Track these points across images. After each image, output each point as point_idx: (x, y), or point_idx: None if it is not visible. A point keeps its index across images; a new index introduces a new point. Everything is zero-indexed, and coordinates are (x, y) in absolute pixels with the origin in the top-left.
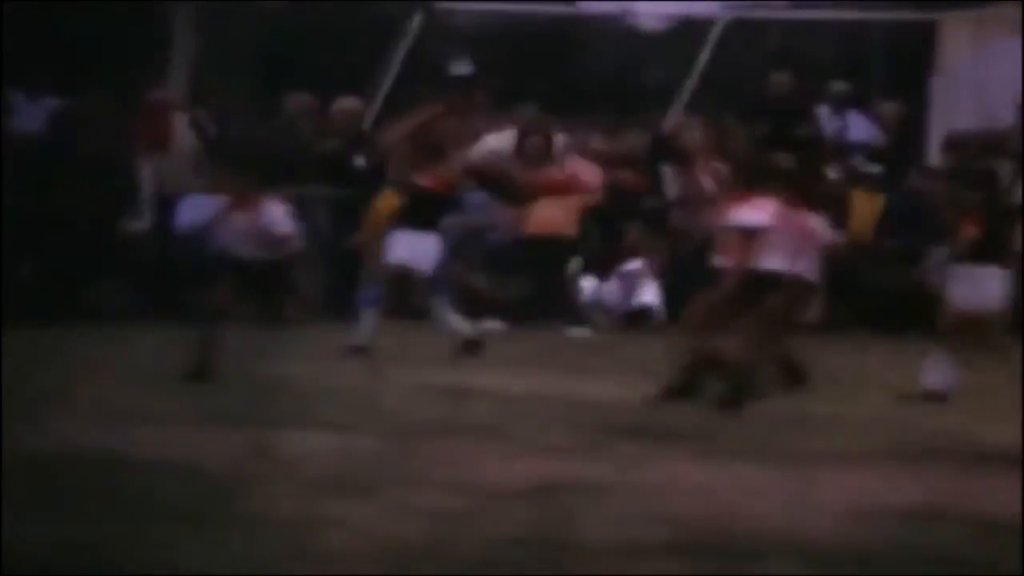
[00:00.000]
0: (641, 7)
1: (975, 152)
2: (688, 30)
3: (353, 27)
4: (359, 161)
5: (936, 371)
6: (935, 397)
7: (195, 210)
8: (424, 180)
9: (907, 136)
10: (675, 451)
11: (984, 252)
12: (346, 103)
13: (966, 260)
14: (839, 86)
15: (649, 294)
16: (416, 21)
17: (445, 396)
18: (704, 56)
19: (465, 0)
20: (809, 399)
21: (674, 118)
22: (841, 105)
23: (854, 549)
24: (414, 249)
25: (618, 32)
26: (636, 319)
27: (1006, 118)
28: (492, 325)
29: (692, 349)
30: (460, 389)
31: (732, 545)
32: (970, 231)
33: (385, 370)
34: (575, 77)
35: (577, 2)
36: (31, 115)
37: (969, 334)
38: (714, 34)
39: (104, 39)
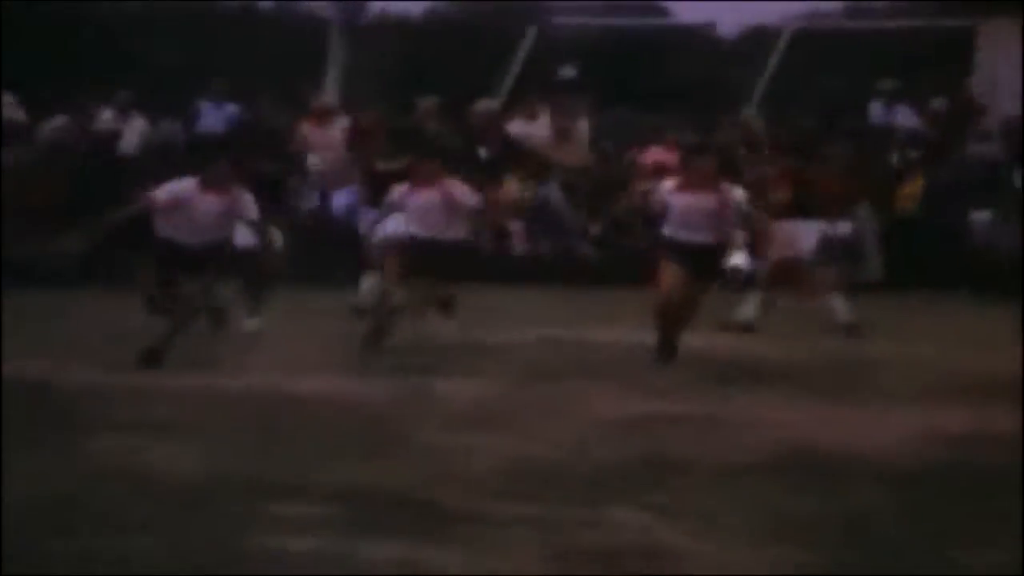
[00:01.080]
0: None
1: None
2: (760, 38)
3: (479, 40)
4: (482, 152)
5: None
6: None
7: (348, 196)
8: None
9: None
10: (758, 390)
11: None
12: (483, 105)
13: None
14: (887, 84)
15: (739, 258)
16: (531, 34)
17: (563, 346)
18: (773, 60)
19: (571, 16)
20: (872, 346)
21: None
22: (891, 100)
23: (914, 468)
24: None
25: (700, 41)
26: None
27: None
28: None
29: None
30: (575, 341)
31: (818, 464)
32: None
33: (513, 326)
34: (665, 79)
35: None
36: (216, 118)
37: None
38: (783, 41)
39: (271, 55)
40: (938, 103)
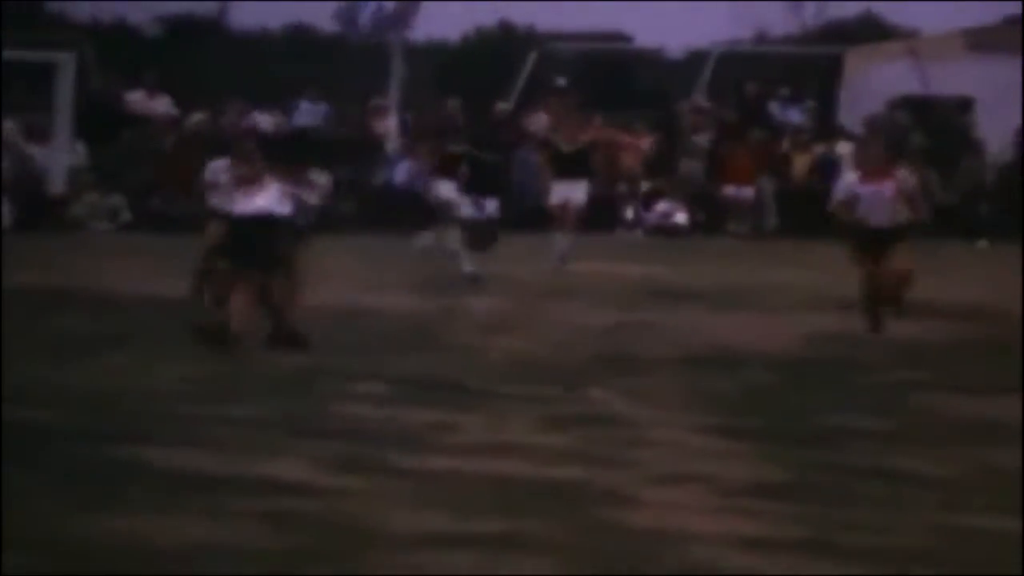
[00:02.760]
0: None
1: None
2: (697, 58)
3: (496, 57)
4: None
5: None
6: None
7: (405, 171)
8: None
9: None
10: (692, 305)
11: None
12: (500, 106)
13: None
14: (783, 91)
15: (679, 216)
16: (533, 56)
17: (552, 275)
18: (706, 74)
19: (563, 42)
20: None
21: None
22: (785, 103)
23: (793, 357)
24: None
25: (653, 61)
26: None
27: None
28: None
29: None
30: (561, 271)
31: (728, 356)
32: None
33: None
34: (630, 87)
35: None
36: (311, 114)
37: None
38: (711, 61)
39: (350, 69)
40: (811, 103)
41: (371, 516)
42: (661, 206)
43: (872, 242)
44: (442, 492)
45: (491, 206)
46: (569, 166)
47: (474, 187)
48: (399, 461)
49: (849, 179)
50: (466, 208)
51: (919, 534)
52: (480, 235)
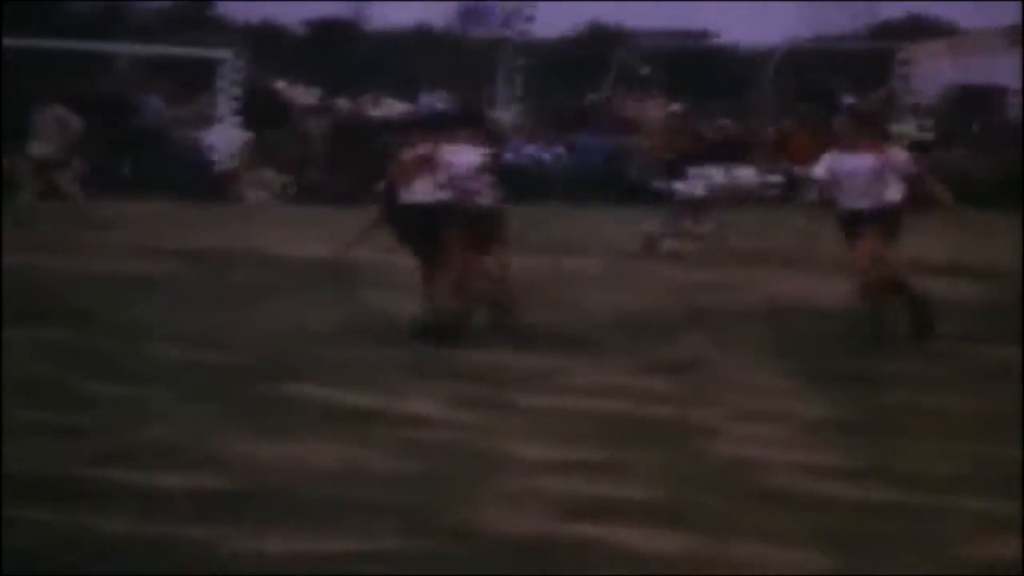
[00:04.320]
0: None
1: None
2: (766, 54)
3: (592, 53)
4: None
5: None
6: None
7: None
8: None
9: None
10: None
11: None
12: (593, 96)
13: None
14: (840, 82)
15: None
16: (622, 51)
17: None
18: (770, 70)
19: (648, 39)
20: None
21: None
22: (844, 92)
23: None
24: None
25: (729, 55)
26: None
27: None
28: None
29: None
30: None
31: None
32: None
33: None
34: (706, 78)
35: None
36: (431, 104)
37: None
38: (777, 56)
39: (468, 63)
40: (883, 91)
41: (493, 446)
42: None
43: (852, 224)
44: (553, 426)
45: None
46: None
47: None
48: (515, 399)
49: (827, 159)
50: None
51: (962, 463)
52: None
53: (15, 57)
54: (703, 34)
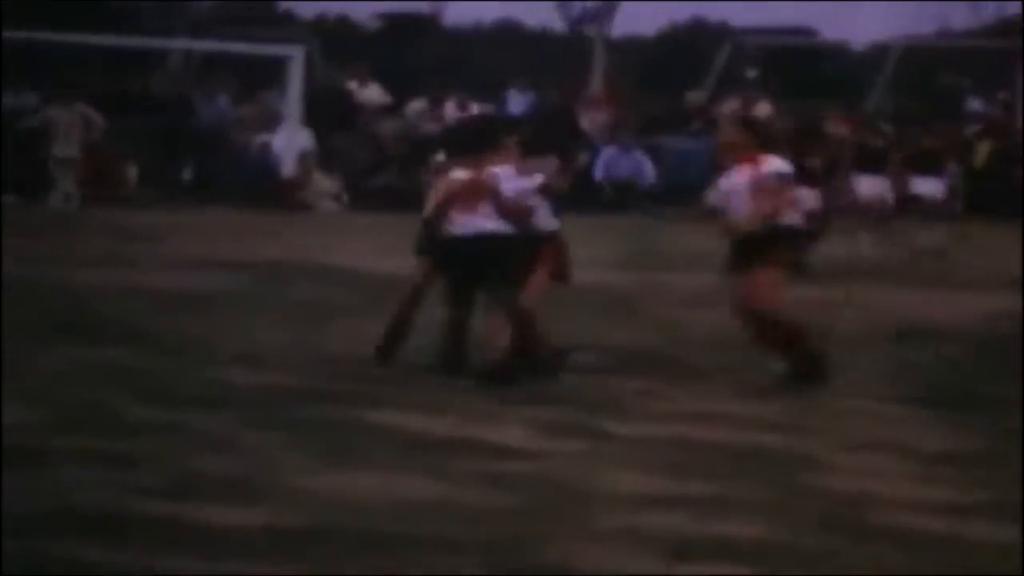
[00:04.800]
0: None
1: None
2: (880, 51)
3: (692, 51)
4: (696, 126)
5: None
6: None
7: (608, 153)
8: None
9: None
10: (880, 281)
11: None
12: (694, 95)
13: None
14: (965, 82)
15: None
16: (726, 48)
17: None
18: (890, 65)
19: (753, 36)
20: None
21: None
22: (968, 93)
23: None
24: None
25: (839, 53)
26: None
27: None
28: None
29: None
30: None
31: (915, 330)
32: None
33: None
34: (816, 78)
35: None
36: (520, 103)
37: None
38: (895, 53)
39: (554, 60)
40: (1003, 95)
41: (584, 478)
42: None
43: (736, 255)
44: (650, 456)
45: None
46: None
47: None
48: (609, 426)
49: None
50: None
51: None
52: None
53: (57, 52)
54: (809, 31)
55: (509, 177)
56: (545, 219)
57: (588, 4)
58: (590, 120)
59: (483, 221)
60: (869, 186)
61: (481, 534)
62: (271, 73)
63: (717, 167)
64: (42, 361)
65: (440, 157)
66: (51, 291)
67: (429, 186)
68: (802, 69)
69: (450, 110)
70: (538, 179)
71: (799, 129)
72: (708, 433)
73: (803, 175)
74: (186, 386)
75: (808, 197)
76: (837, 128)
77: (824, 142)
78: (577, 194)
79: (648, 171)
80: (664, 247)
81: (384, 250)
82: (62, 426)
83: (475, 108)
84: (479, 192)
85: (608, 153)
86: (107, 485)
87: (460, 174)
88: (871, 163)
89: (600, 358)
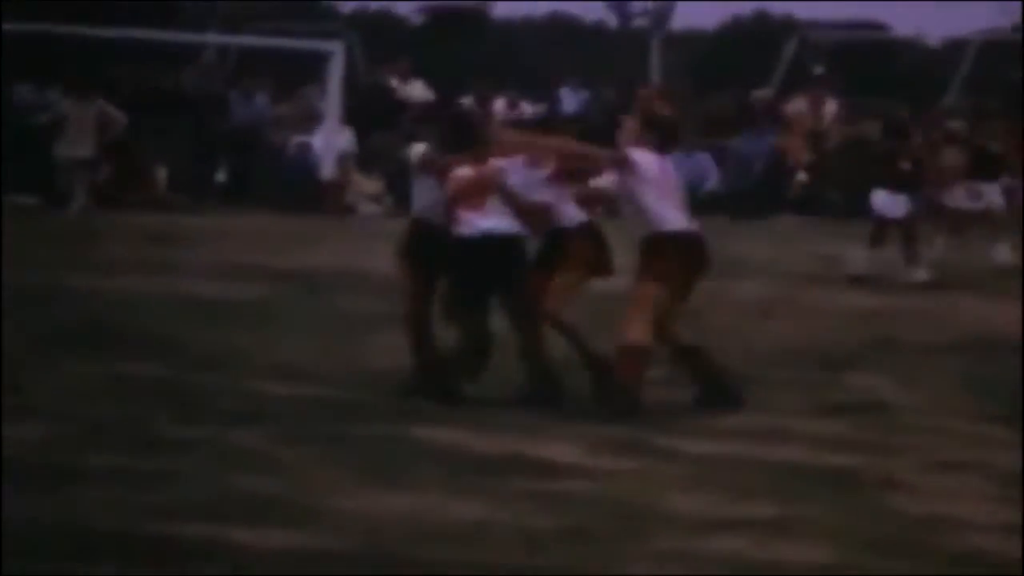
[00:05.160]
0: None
1: None
2: (955, 47)
3: (756, 46)
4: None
5: None
6: None
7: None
8: None
9: None
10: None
11: None
12: (760, 93)
13: None
14: None
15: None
16: (792, 43)
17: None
18: (967, 64)
19: (821, 31)
20: None
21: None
22: None
23: None
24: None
25: (912, 49)
26: None
27: None
28: None
29: None
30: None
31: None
32: None
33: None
34: (888, 75)
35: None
36: (573, 101)
37: None
38: (972, 49)
39: (606, 57)
40: None
41: (645, 499)
42: None
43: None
44: (713, 476)
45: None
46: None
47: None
48: (670, 444)
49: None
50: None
51: None
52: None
53: (86, 47)
54: (879, 25)
55: (516, 169)
56: (570, 210)
57: (647, 3)
58: None
59: (492, 220)
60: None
61: (531, 558)
62: (309, 70)
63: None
64: (67, 374)
65: (419, 149)
66: (75, 300)
67: (416, 182)
68: (872, 65)
69: (499, 108)
70: (547, 170)
71: (887, 129)
72: (774, 451)
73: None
74: (219, 400)
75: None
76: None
77: (910, 144)
78: None
79: (712, 174)
80: (730, 253)
81: None
82: (89, 442)
83: (527, 107)
84: (485, 188)
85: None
86: (138, 505)
87: (465, 170)
88: (986, 168)
89: (658, 370)
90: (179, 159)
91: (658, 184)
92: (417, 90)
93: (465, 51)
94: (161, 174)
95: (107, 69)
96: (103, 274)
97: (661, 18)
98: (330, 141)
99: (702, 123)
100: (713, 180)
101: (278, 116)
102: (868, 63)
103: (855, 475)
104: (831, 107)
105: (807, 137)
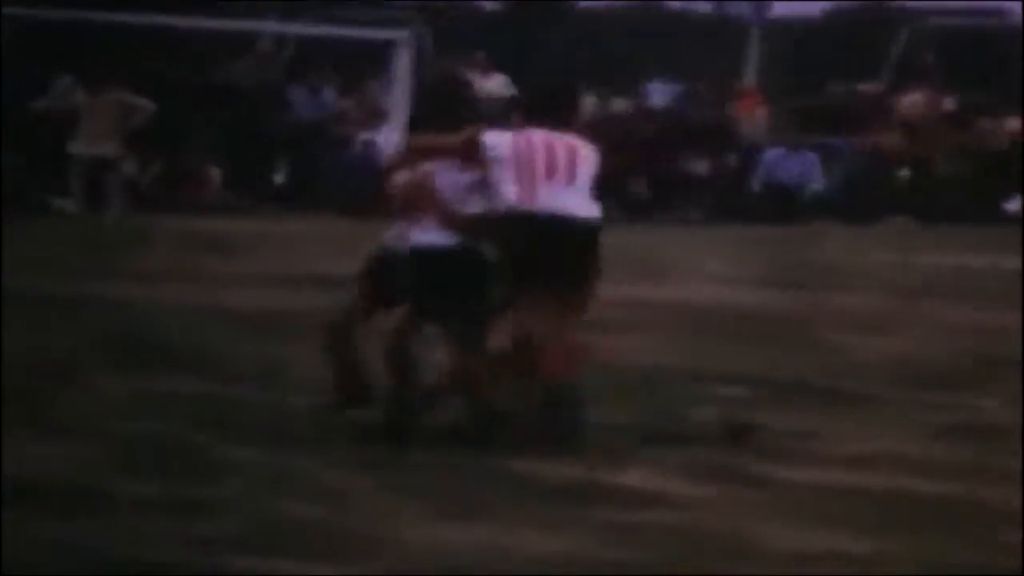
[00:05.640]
0: None
1: None
2: None
3: (864, 36)
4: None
5: None
6: None
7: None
8: None
9: None
10: None
11: None
12: (869, 86)
13: None
14: None
15: None
16: (904, 31)
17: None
18: None
19: (935, 18)
20: None
21: None
22: None
23: None
24: None
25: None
26: None
27: None
28: None
29: None
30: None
31: None
32: None
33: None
34: (1006, 66)
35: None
36: (663, 94)
37: None
38: None
39: (700, 48)
40: None
41: (737, 530)
42: None
43: None
44: (807, 505)
45: None
46: None
47: None
48: (766, 471)
49: None
50: None
51: None
52: None
53: (132, 36)
54: (996, 12)
55: (444, 171)
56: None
57: None
58: (744, 117)
59: (428, 232)
60: None
61: None
62: (373, 61)
63: None
64: (102, 391)
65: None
66: (110, 311)
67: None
68: (992, 55)
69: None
70: (476, 173)
71: None
72: (880, 479)
73: None
74: (271, 421)
75: None
76: None
77: None
78: (727, 201)
79: (818, 174)
80: (836, 262)
81: None
82: (125, 466)
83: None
84: (420, 196)
85: (773, 154)
86: (175, 535)
87: (402, 175)
88: None
89: (750, 390)
90: (234, 158)
91: (519, 163)
92: (497, 85)
93: (546, 41)
94: (215, 175)
95: (151, 59)
96: (141, 283)
97: (761, 6)
98: (396, 138)
99: (805, 119)
100: (818, 181)
101: (341, 111)
102: (988, 53)
103: (967, 505)
104: (948, 103)
105: (918, 134)
